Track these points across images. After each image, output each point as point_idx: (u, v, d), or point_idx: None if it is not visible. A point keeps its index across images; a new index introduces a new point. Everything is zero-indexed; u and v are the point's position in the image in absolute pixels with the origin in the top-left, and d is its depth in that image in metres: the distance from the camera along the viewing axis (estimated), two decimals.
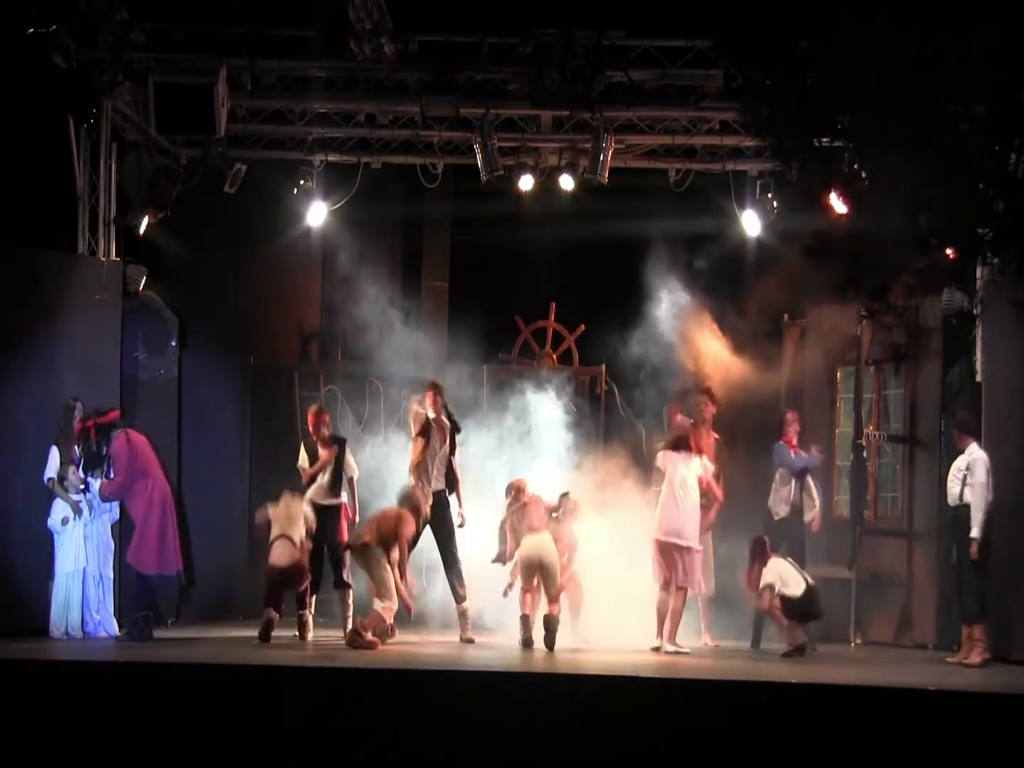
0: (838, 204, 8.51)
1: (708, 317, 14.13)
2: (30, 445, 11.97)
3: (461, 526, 12.46)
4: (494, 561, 12.20)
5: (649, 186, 14.38)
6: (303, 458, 12.63)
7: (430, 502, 12.30)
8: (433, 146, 14.13)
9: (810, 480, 12.74)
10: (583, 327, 15.18)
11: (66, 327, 12.38)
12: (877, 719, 8.79)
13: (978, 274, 11.19)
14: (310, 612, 12.47)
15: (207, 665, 10.07)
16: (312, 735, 9.05)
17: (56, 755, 9.05)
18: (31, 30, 11.73)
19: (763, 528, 12.53)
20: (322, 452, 12.52)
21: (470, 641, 12.15)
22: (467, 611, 12.33)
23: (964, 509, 11.21)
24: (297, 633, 12.37)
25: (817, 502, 12.75)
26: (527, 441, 13.80)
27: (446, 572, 12.54)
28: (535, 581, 11.81)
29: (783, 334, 14.41)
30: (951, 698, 9.08)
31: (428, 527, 12.40)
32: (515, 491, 12.13)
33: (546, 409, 13.83)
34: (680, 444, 12.06)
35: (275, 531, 12.22)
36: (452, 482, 12.43)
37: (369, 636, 11.51)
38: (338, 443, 12.61)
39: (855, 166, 8.19)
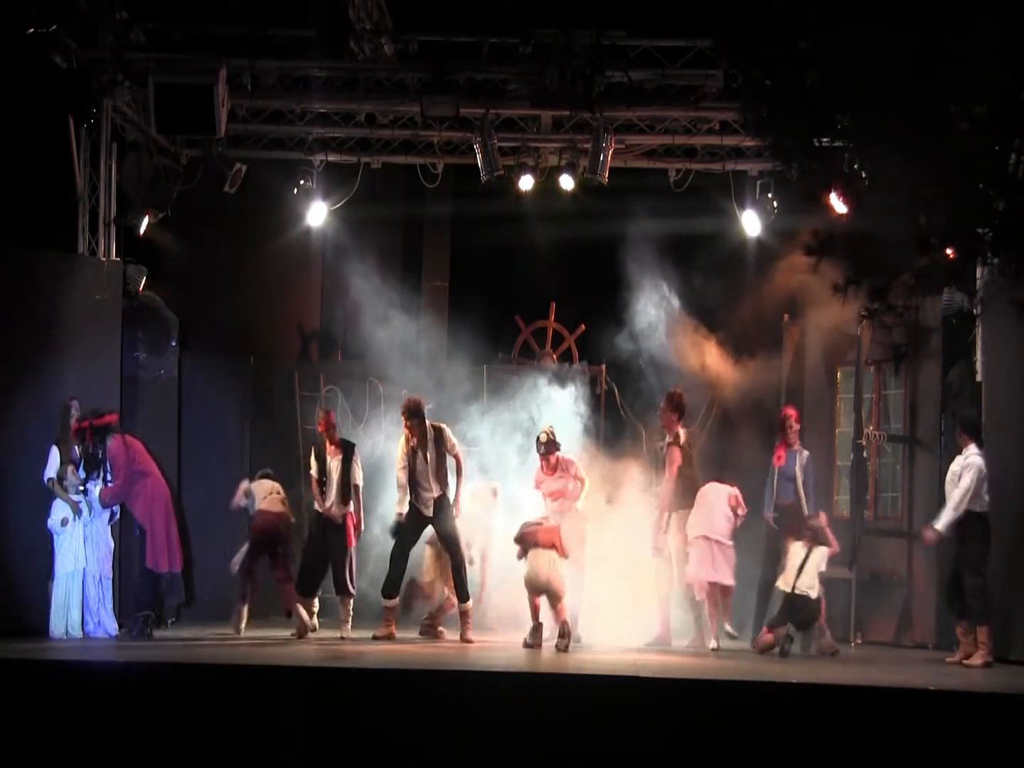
0: (838, 204, 8.50)
1: (696, 324, 14.16)
2: (30, 445, 11.97)
3: (455, 532, 12.42)
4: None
5: (649, 186, 14.39)
6: (314, 467, 12.60)
7: (429, 512, 12.29)
8: (433, 146, 14.13)
9: (797, 482, 12.64)
10: (583, 327, 15.18)
11: (66, 327, 12.38)
12: (877, 719, 8.79)
13: (978, 274, 11.18)
14: (306, 608, 12.46)
15: (207, 665, 10.07)
16: (312, 735, 9.05)
17: (56, 755, 9.05)
18: (31, 30, 11.74)
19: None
20: (331, 454, 12.50)
21: (469, 641, 12.15)
22: (469, 611, 12.33)
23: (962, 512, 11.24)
24: (296, 632, 12.37)
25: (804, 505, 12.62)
26: (527, 441, 13.80)
27: (450, 570, 12.53)
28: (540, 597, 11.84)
29: (783, 334, 14.42)
30: (951, 698, 9.08)
31: (431, 527, 12.42)
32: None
33: (547, 408, 13.84)
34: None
35: (262, 495, 12.53)
36: (448, 479, 12.39)
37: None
38: (346, 448, 12.59)
39: (855, 166, 8.19)
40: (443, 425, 12.47)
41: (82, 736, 9.06)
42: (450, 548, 12.34)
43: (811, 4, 7.78)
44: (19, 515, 11.98)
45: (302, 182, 14.26)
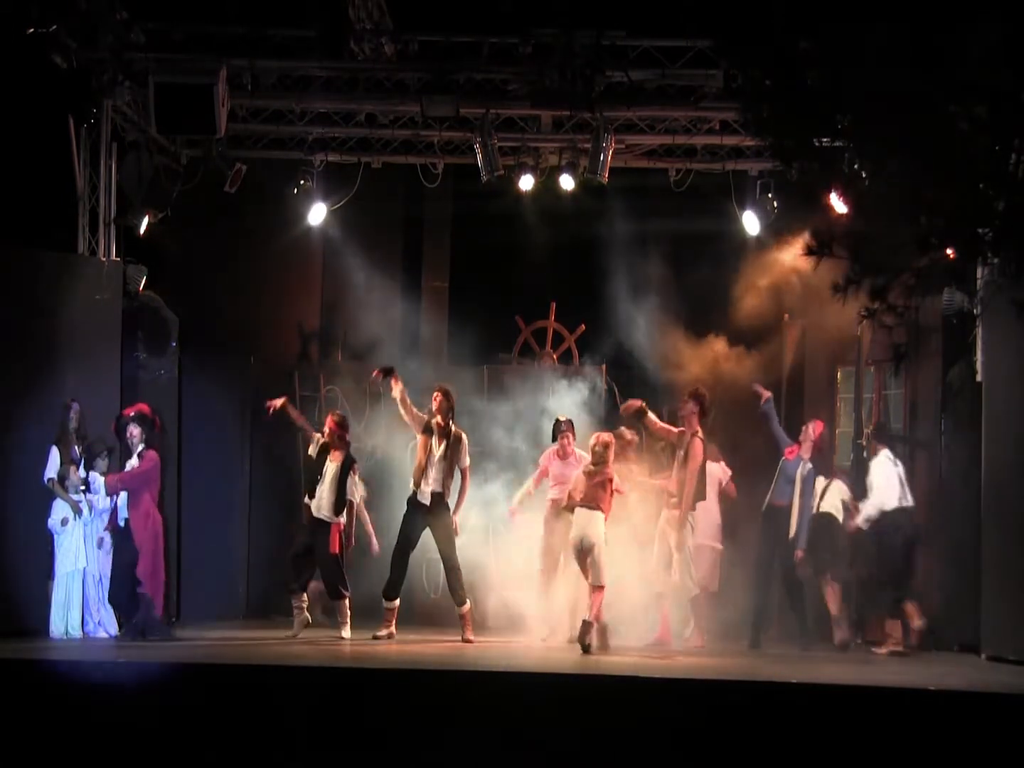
0: (838, 204, 8.50)
1: (695, 324, 14.19)
2: (30, 445, 11.97)
3: (454, 534, 12.43)
4: None
5: (649, 186, 14.39)
6: (312, 451, 12.61)
7: (427, 502, 12.30)
8: (433, 146, 14.13)
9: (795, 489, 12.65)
10: (583, 327, 15.18)
11: (66, 327, 12.38)
12: (877, 719, 8.79)
13: (978, 274, 11.18)
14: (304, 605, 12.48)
15: (207, 665, 10.07)
16: (312, 735, 9.05)
17: (56, 755, 9.04)
18: (31, 30, 11.74)
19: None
20: (332, 458, 12.50)
21: (469, 641, 12.16)
22: (467, 613, 12.34)
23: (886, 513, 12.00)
24: (295, 630, 12.37)
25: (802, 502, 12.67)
26: (528, 440, 13.81)
27: (446, 574, 12.55)
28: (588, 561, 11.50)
29: (783, 334, 14.41)
30: (951, 698, 9.08)
31: (428, 529, 12.42)
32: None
33: (547, 408, 13.85)
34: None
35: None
36: (449, 488, 12.40)
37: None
38: (347, 459, 12.58)
39: (855, 166, 8.19)
40: (464, 435, 12.49)
41: (82, 736, 9.05)
42: (444, 552, 12.37)
43: (811, 4, 7.78)
44: (19, 515, 11.98)
45: (302, 182, 14.25)
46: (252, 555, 14.40)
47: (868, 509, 12.12)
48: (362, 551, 13.04)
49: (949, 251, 8.06)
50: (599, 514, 11.48)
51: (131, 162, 13.07)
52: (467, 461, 12.44)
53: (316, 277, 15.69)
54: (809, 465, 12.55)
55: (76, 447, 11.93)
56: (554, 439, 12.82)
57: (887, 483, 12.12)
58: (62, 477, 11.84)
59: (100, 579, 11.99)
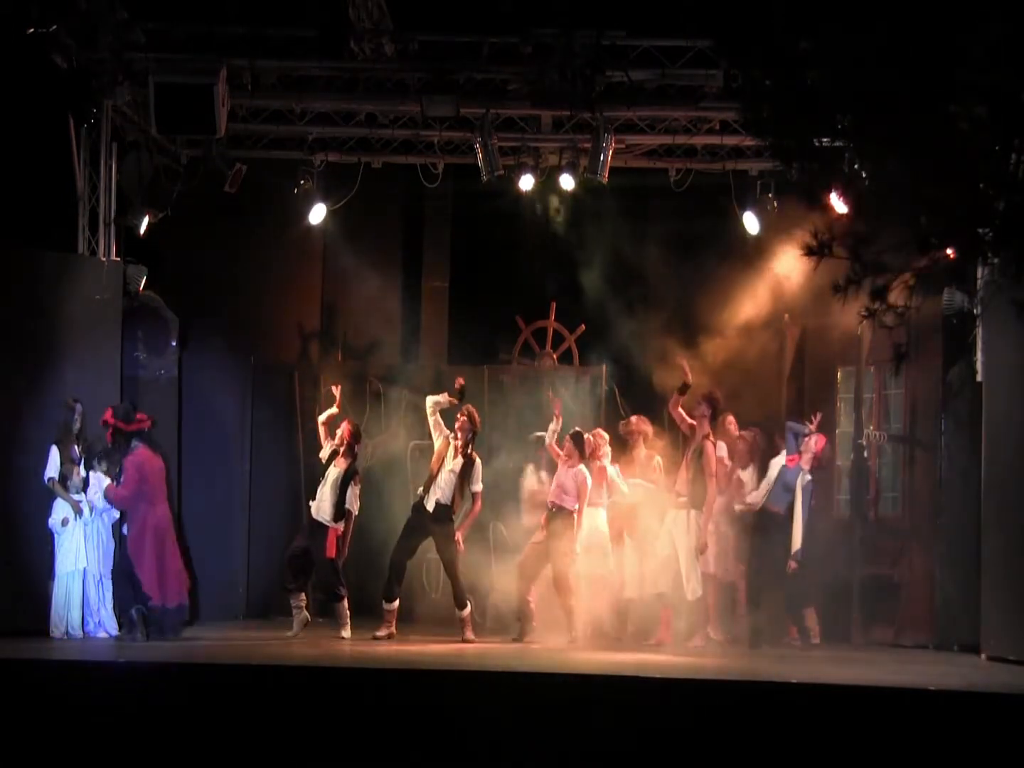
0: (838, 204, 8.50)
1: (695, 324, 14.22)
2: (30, 445, 11.97)
3: (456, 545, 12.44)
4: None
5: (649, 186, 14.38)
6: (325, 452, 12.64)
7: (431, 508, 12.32)
8: (433, 146, 14.13)
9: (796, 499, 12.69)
10: (583, 327, 15.18)
11: (66, 327, 12.38)
12: (877, 719, 8.79)
13: (978, 274, 11.18)
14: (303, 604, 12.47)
15: (207, 665, 10.07)
16: (312, 735, 9.05)
17: (56, 755, 9.05)
18: (31, 30, 11.73)
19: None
20: (337, 464, 12.52)
21: (469, 641, 12.17)
22: (467, 617, 12.36)
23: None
24: (295, 629, 12.37)
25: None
26: (527, 440, 13.81)
27: (448, 579, 12.58)
28: None
29: (783, 334, 14.41)
30: (951, 698, 9.08)
31: (431, 537, 12.45)
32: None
33: (547, 408, 13.83)
34: None
35: None
36: (456, 504, 12.42)
37: None
38: (349, 468, 12.59)
39: (855, 166, 8.18)
40: (479, 461, 12.52)
41: (82, 736, 9.06)
42: (446, 563, 12.43)
43: (811, 4, 7.77)
44: (19, 515, 11.98)
45: (302, 182, 14.24)
46: (252, 555, 14.40)
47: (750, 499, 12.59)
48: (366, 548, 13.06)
49: (949, 251, 8.06)
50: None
51: (131, 162, 13.07)
52: (480, 486, 12.49)
53: (316, 277, 15.69)
54: (808, 476, 12.58)
55: (76, 447, 11.93)
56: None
57: (765, 482, 12.52)
58: (64, 477, 11.83)
59: (100, 579, 11.99)
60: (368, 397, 14.61)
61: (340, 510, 12.43)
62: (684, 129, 13.58)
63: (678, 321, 14.52)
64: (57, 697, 9.23)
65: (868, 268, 7.85)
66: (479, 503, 12.53)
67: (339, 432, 12.60)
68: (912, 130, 7.49)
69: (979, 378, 12.04)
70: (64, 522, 11.82)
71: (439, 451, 12.43)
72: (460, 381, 12.52)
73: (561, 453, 12.47)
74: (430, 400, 12.49)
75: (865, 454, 13.37)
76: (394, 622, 12.33)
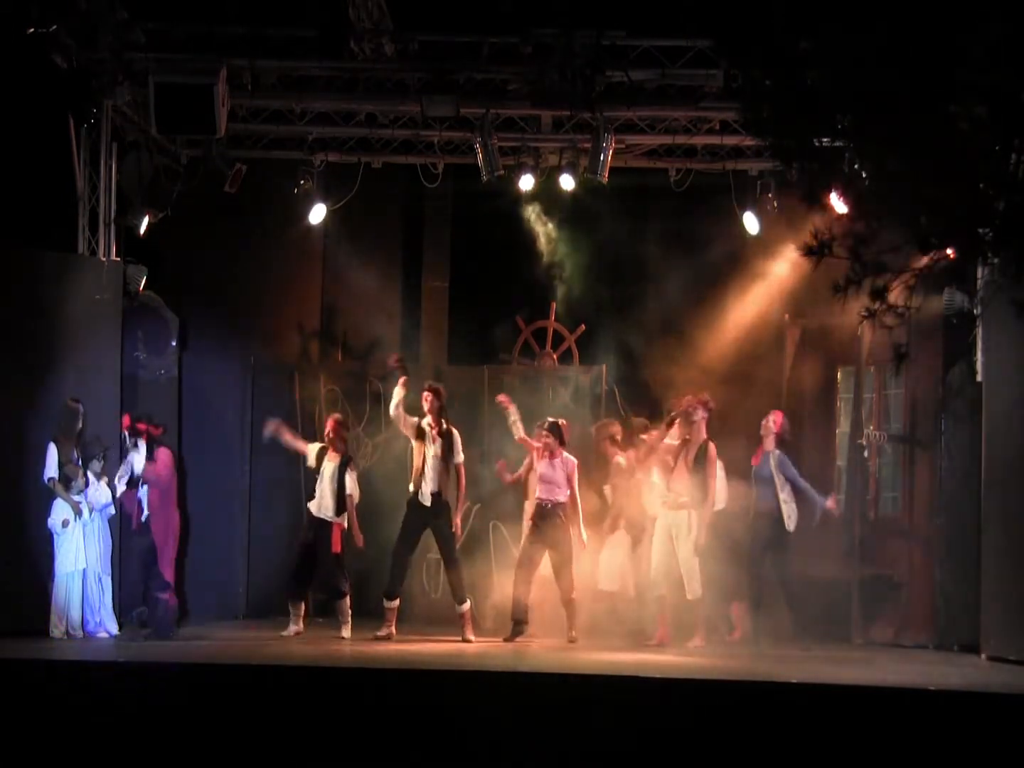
0: (838, 204, 8.51)
1: (695, 323, 14.23)
2: (30, 445, 11.97)
3: (455, 534, 12.45)
4: None
5: (649, 186, 14.38)
6: (311, 459, 12.65)
7: (428, 503, 12.33)
8: (433, 146, 14.12)
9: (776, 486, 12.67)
10: (583, 327, 15.18)
11: (66, 327, 12.37)
12: (877, 719, 8.79)
13: (978, 274, 11.18)
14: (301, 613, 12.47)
15: (207, 665, 10.07)
16: (312, 735, 9.05)
17: (56, 755, 9.04)
18: (31, 30, 11.73)
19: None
20: (329, 458, 12.54)
21: (469, 641, 12.17)
22: (467, 612, 12.35)
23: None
24: (295, 629, 12.36)
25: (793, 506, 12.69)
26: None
27: (446, 572, 12.58)
28: None
29: (783, 334, 14.41)
30: (951, 698, 9.08)
31: (429, 528, 12.44)
32: None
33: (547, 408, 13.83)
34: None
35: None
36: (448, 485, 12.41)
37: None
38: (343, 458, 12.61)
39: (855, 166, 8.19)
40: (455, 431, 12.49)
41: (82, 736, 9.06)
42: (444, 550, 12.39)
43: (811, 4, 7.78)
44: (19, 515, 11.98)
45: (302, 182, 14.24)
46: (252, 555, 14.40)
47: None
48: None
49: (949, 251, 8.06)
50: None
51: (131, 162, 13.07)
52: (461, 457, 12.46)
53: (316, 277, 15.68)
54: (777, 452, 12.60)
55: (75, 447, 11.93)
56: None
57: (721, 485, 12.51)
58: (67, 478, 11.83)
59: (100, 579, 12.00)
60: (368, 397, 14.60)
61: (341, 502, 12.44)
62: (684, 129, 13.57)
63: (678, 321, 14.53)
64: (57, 697, 9.22)
65: (868, 268, 7.86)
66: (463, 475, 12.48)
67: (326, 432, 12.62)
68: (912, 130, 7.50)
69: (979, 378, 12.04)
70: (64, 523, 11.81)
71: (418, 448, 12.41)
72: (395, 356, 12.70)
73: (535, 444, 12.48)
74: (391, 406, 12.47)
75: (865, 454, 13.37)
76: (394, 621, 12.32)
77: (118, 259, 12.86)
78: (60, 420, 11.95)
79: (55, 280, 12.40)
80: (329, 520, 12.42)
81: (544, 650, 11.79)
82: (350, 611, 12.42)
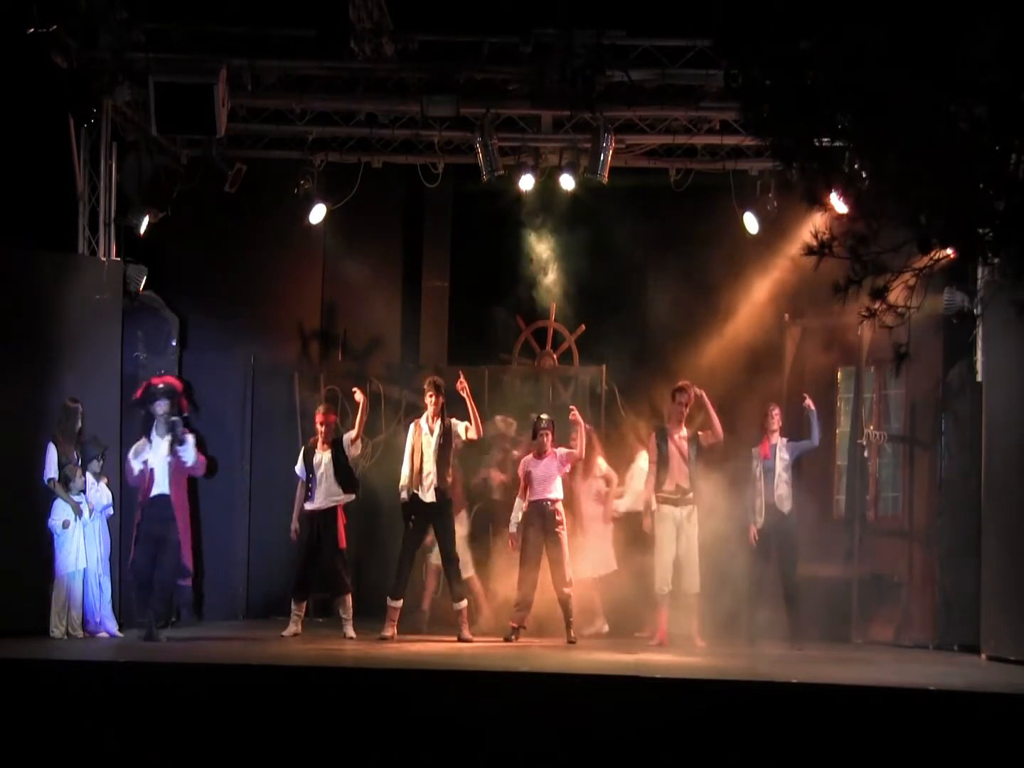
0: (838, 204, 8.51)
1: (695, 323, 14.25)
2: (30, 445, 11.97)
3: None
4: None
5: (649, 186, 14.38)
6: (299, 466, 12.64)
7: (428, 498, 12.31)
8: (433, 146, 14.12)
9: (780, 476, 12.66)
10: (583, 327, 15.18)
11: (66, 327, 12.38)
12: (877, 719, 8.79)
13: (978, 274, 11.19)
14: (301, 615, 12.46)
15: (207, 665, 10.07)
16: (312, 735, 9.05)
17: (56, 755, 9.04)
18: (31, 30, 11.73)
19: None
20: (320, 449, 12.54)
21: (468, 641, 12.17)
22: (464, 610, 12.35)
23: None
24: (294, 629, 12.36)
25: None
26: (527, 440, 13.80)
27: (443, 567, 12.58)
28: None
29: (783, 334, 14.41)
30: (951, 698, 9.08)
31: (430, 525, 12.44)
32: None
33: (547, 408, 13.84)
34: None
35: None
36: (447, 479, 12.41)
37: None
38: (336, 441, 12.60)
39: (855, 166, 8.19)
40: (452, 419, 12.48)
41: (82, 736, 9.05)
42: (444, 545, 12.39)
43: (811, 4, 7.78)
44: (19, 515, 11.98)
45: (302, 182, 14.23)
46: (252, 555, 14.39)
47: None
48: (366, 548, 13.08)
49: (949, 251, 8.06)
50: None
51: (131, 162, 13.08)
52: (464, 432, 12.38)
53: (316, 277, 15.67)
54: (783, 439, 12.61)
55: (75, 447, 11.93)
56: (534, 438, 12.68)
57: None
58: (67, 479, 11.83)
59: (100, 579, 12.00)
60: (368, 397, 14.57)
61: (347, 479, 12.41)
62: (684, 129, 13.57)
63: (678, 321, 14.53)
64: (57, 697, 9.22)
65: (868, 268, 7.86)
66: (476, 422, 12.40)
67: (318, 427, 12.63)
68: (912, 130, 7.50)
69: (979, 378, 12.04)
70: (65, 524, 11.81)
71: (413, 444, 12.38)
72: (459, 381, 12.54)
73: (514, 452, 12.58)
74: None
75: (865, 454, 13.37)
76: (396, 622, 12.32)
77: (118, 259, 12.86)
78: (59, 420, 11.95)
79: (55, 280, 12.41)
80: (335, 504, 12.36)
81: (544, 650, 11.79)
82: (352, 608, 12.40)
